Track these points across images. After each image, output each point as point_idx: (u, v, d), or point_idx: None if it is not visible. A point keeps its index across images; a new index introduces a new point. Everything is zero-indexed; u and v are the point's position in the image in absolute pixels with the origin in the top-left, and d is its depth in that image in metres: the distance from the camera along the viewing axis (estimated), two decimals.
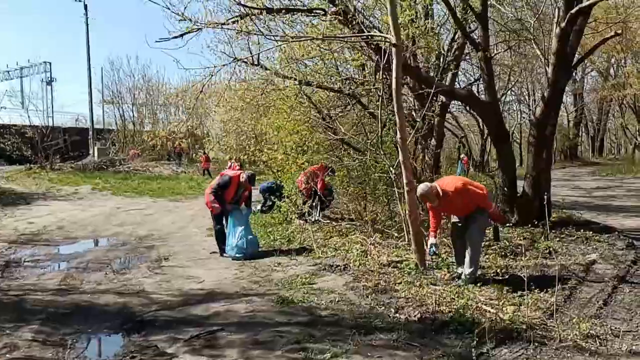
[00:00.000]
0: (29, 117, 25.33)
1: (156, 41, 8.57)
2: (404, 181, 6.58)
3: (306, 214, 10.54)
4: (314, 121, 10.96)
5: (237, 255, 7.84)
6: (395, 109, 6.38)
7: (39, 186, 21.09)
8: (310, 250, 7.95)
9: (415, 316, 4.96)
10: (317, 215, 10.64)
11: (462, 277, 6.14)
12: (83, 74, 28.07)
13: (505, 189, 9.83)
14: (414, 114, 14.70)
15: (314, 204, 10.74)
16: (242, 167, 15.41)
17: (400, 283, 6.02)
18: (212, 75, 9.68)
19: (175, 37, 8.58)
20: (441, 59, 14.65)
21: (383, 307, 5.26)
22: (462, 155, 24.63)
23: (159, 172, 24.98)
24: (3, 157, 25.99)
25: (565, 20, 8.35)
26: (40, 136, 24.43)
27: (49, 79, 44.51)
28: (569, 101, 45.83)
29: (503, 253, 7.78)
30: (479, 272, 6.19)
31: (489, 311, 5.06)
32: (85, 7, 28.41)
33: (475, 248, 6.16)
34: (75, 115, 45.62)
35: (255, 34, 8.66)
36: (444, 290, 5.71)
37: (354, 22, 8.77)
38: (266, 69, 10.36)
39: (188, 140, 25.67)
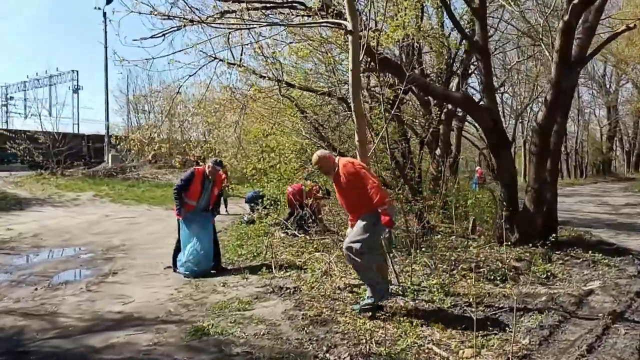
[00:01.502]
0: (41, 123, 25.07)
1: (134, 40, 7.87)
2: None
3: (293, 226, 9.71)
4: (298, 126, 10.11)
5: (186, 272, 6.98)
6: (352, 107, 5.45)
7: (45, 192, 20.76)
8: (269, 268, 7.02)
9: (344, 359, 4.00)
10: (295, 229, 9.74)
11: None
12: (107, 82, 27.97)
13: (505, 203, 8.74)
14: (417, 122, 13.81)
15: (294, 218, 9.86)
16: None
17: (347, 313, 5.05)
18: (190, 76, 9.00)
19: (156, 37, 7.85)
20: (451, 64, 13.75)
21: (314, 344, 4.32)
22: (476, 167, 23.36)
23: (168, 180, 24.42)
24: (24, 162, 25.79)
25: (569, 13, 7.28)
26: (52, 142, 24.20)
27: (76, 86, 45.05)
28: (602, 114, 43.92)
29: (491, 277, 6.75)
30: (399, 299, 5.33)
31: (439, 355, 4.06)
32: (104, 14, 28.26)
33: (365, 266, 5.08)
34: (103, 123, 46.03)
35: (234, 29, 7.83)
36: (393, 324, 4.71)
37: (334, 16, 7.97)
38: (246, 68, 9.55)
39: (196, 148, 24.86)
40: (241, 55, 9.28)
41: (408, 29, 9.54)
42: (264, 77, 8.97)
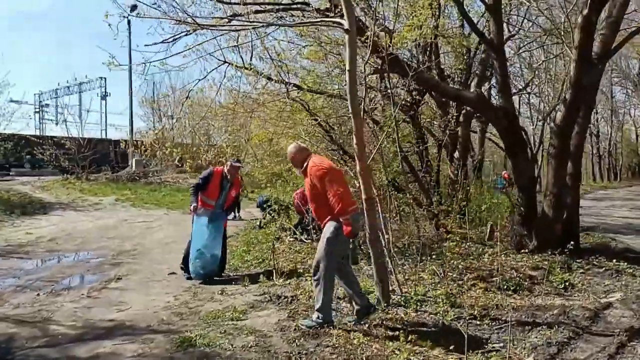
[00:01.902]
0: (67, 129, 25.48)
1: (146, 45, 7.83)
2: (362, 196, 5.39)
3: (298, 232, 9.53)
4: (310, 130, 9.92)
5: (192, 275, 6.86)
6: (350, 108, 5.23)
7: (69, 196, 21.06)
8: (272, 275, 6.84)
9: None
10: (303, 235, 9.54)
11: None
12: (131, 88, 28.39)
13: (522, 208, 8.38)
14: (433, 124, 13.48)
15: (303, 223, 9.68)
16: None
17: (341, 325, 4.82)
18: (199, 80, 8.93)
19: (167, 42, 7.80)
20: (470, 64, 13.38)
21: (302, 358, 4.11)
22: (503, 172, 22.75)
23: (189, 185, 24.49)
24: (54, 167, 26.18)
25: (587, 7, 6.93)
26: (77, 147, 24.55)
27: (104, 93, 45.88)
28: (638, 114, 42.56)
29: (504, 286, 6.43)
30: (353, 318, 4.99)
31: None
32: (129, 22, 28.56)
33: (322, 276, 4.79)
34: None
35: (238, 29, 7.69)
36: (388, 338, 4.47)
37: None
38: (254, 70, 9.42)
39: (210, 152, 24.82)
40: (251, 58, 9.19)
41: (424, 28, 9.29)
42: (271, 79, 8.81)
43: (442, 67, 14.60)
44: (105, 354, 4.28)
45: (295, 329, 4.72)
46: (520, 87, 19.48)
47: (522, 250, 8.18)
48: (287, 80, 8.89)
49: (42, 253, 9.74)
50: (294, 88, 9.28)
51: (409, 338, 4.28)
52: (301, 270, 7.09)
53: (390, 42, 8.16)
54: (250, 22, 6.49)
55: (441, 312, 5.23)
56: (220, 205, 7.25)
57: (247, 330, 4.72)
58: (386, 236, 7.36)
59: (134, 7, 7.48)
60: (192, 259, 6.97)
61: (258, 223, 11.68)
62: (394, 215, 9.70)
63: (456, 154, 12.86)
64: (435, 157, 13.63)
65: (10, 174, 29.59)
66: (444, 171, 13.72)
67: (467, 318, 5.01)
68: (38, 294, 6.45)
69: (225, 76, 9.13)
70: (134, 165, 28.02)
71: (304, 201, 9.92)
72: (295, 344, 4.41)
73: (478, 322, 4.92)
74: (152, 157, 28.84)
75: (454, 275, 6.80)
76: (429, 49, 12.52)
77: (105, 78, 44.59)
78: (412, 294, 5.74)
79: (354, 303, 5.01)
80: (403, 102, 13.16)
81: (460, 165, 12.11)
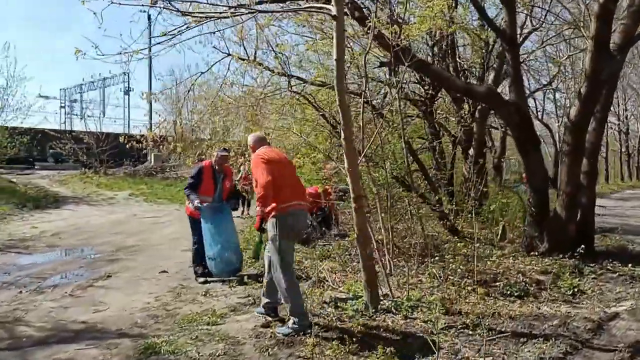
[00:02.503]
0: (85, 123, 25.62)
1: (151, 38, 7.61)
2: (351, 195, 5.04)
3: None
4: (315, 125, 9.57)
5: (216, 272, 6.53)
6: (337, 100, 4.88)
7: (85, 190, 21.18)
8: (260, 277, 6.51)
9: None
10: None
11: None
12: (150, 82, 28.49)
13: (533, 208, 7.91)
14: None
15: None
16: None
17: (324, 330, 4.49)
18: (202, 73, 8.67)
19: (171, 35, 7.58)
20: (487, 57, 12.86)
21: None
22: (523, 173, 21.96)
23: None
24: (76, 162, 26.33)
25: None
26: (96, 141, 24.65)
27: (127, 88, 46.29)
28: None
29: (507, 292, 6.02)
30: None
31: None
32: (149, 17, 28.59)
33: (279, 279, 4.62)
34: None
35: (224, 16, 7.38)
36: (366, 350, 4.12)
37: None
38: (260, 64, 9.10)
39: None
40: (255, 51, 8.88)
41: (437, 20, 8.86)
42: (272, 71, 8.48)
43: (459, 60, 14.18)
44: None
45: (270, 336, 4.41)
46: (545, 83, 18.88)
47: (532, 253, 7.72)
48: (289, 72, 8.55)
49: (42, 248, 9.63)
50: (298, 81, 8.93)
51: (387, 350, 3.91)
52: (296, 271, 6.75)
53: (400, 33, 7.77)
54: (233, 6, 6.15)
55: (433, 320, 4.85)
56: (218, 199, 6.94)
57: (220, 336, 4.42)
58: (380, 237, 7.04)
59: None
60: (213, 258, 6.55)
61: None
62: (398, 214, 9.32)
63: (471, 151, 12.36)
64: (450, 154, 13.21)
65: (36, 168, 30.02)
66: (460, 169, 13.28)
67: (458, 327, 4.63)
68: (21, 292, 6.27)
69: (229, 69, 8.89)
70: (152, 160, 28.08)
71: (316, 199, 9.62)
72: (267, 353, 4.10)
73: (470, 332, 4.53)
74: (171, 152, 28.80)
75: (455, 279, 6.40)
76: (445, 41, 12.09)
77: (128, 73, 44.96)
78: (405, 299, 5.36)
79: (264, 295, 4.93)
80: (417, 97, 12.83)
81: (473, 163, 11.63)
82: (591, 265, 7.17)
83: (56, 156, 30.72)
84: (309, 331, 4.33)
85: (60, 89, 50.75)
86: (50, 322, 5.01)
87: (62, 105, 51.14)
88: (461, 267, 6.48)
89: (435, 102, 13.05)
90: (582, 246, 6.58)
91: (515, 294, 6.04)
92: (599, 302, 5.75)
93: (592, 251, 7.81)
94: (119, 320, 5.01)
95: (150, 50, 6.62)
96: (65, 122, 49.29)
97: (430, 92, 12.42)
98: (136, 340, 4.40)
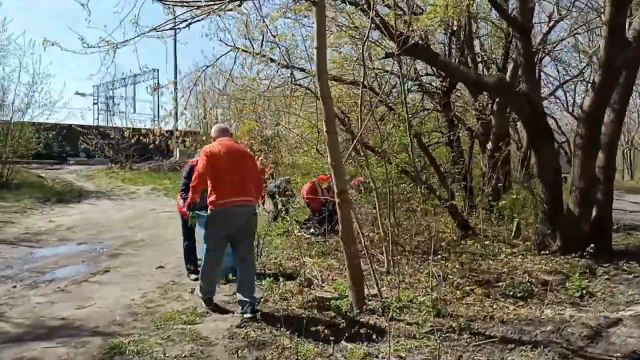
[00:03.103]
0: (111, 119, 25.93)
1: (149, 31, 7.53)
2: (335, 190, 4.83)
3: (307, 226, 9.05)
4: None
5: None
6: (319, 89, 4.66)
7: (110, 185, 21.46)
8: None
9: None
10: (312, 229, 9.02)
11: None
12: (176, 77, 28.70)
13: (545, 205, 7.53)
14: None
15: (315, 216, 9.15)
16: None
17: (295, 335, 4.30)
18: (207, 67, 8.56)
19: (177, 26, 7.50)
20: (507, 48, 12.38)
21: None
22: None
23: None
24: (106, 157, 26.62)
25: None
26: (121, 137, 24.91)
27: (156, 85, 46.70)
28: None
29: (511, 293, 5.71)
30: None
31: None
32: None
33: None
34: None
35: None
36: (343, 353, 3.91)
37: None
38: (264, 56, 8.93)
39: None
40: (262, 44, 8.71)
41: (450, 9, 8.52)
42: (274, 60, 8.28)
43: (480, 52, 13.73)
44: (28, 359, 3.94)
45: (244, 337, 4.24)
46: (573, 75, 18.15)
47: (543, 252, 7.35)
48: (291, 64, 8.34)
49: (53, 242, 9.71)
50: (303, 74, 8.73)
51: (359, 353, 3.69)
52: (290, 269, 6.59)
53: (410, 23, 7.48)
54: None
55: (421, 322, 4.61)
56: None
57: (193, 336, 4.27)
58: (378, 233, 6.80)
59: None
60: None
61: (273, 215, 11.11)
62: (404, 210, 9.04)
63: (489, 145, 11.92)
64: (467, 149, 12.79)
65: (71, 162, 30.64)
66: (479, 163, 12.87)
67: (444, 331, 4.38)
68: (15, 286, 6.27)
69: (235, 62, 8.76)
70: (177, 155, 28.27)
71: (313, 194, 9.43)
72: (236, 355, 3.94)
73: (456, 337, 4.27)
74: (196, 148, 28.96)
75: (455, 279, 6.12)
76: (463, 32, 11.69)
77: (157, 70, 45.35)
78: (394, 299, 5.13)
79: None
80: (434, 90, 12.47)
81: (489, 157, 11.23)
82: (605, 265, 6.77)
83: (88, 151, 31.23)
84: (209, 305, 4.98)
85: (94, 86, 51.57)
86: (31, 318, 4.96)
87: (95, 102, 52.04)
88: (464, 266, 6.18)
89: (453, 94, 12.70)
90: (592, 245, 6.21)
91: (518, 295, 5.74)
92: (608, 305, 5.40)
93: (608, 250, 7.41)
94: (99, 317, 4.92)
95: (175, 49, 6.51)
96: (98, 118, 50.17)
97: (445, 84, 12.09)
98: (107, 339, 4.29)
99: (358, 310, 4.81)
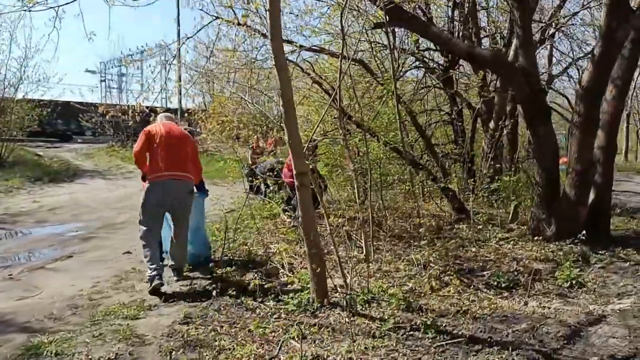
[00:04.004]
0: (106, 97, 25.50)
1: None
2: (294, 172, 4.34)
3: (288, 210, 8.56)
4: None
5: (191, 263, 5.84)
6: (274, 59, 4.14)
7: (109, 164, 21.15)
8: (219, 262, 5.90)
9: None
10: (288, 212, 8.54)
11: None
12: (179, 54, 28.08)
13: (541, 188, 6.99)
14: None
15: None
16: None
17: (240, 332, 3.85)
18: (188, 38, 8.05)
19: None
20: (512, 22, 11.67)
21: None
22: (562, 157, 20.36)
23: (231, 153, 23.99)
24: (114, 135, 26.20)
25: None
26: (122, 114, 24.48)
27: (164, 62, 46.18)
28: None
29: (495, 283, 5.23)
30: None
31: None
32: None
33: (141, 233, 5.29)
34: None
35: None
36: (286, 354, 3.46)
37: None
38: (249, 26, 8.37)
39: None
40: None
41: None
42: (258, 31, 7.73)
43: (488, 25, 13.06)
44: None
45: (183, 336, 3.80)
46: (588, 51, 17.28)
47: (537, 238, 6.84)
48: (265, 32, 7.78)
49: (29, 224, 9.36)
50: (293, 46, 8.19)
51: (309, 355, 3.24)
52: (260, 258, 6.13)
53: None
54: None
55: (387, 317, 4.14)
56: None
57: (127, 334, 3.84)
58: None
59: None
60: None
61: (262, 192, 10.52)
62: (391, 192, 8.56)
63: (491, 124, 11.29)
64: (469, 129, 12.18)
65: (79, 141, 30.35)
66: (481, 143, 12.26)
67: (408, 329, 3.90)
68: None
69: (218, 35, 8.29)
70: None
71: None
72: (169, 357, 3.50)
73: (420, 335, 3.79)
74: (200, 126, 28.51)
75: (437, 267, 5.64)
76: (467, 2, 11.02)
77: (167, 46, 44.77)
78: (363, 292, 4.66)
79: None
80: (435, 66, 11.85)
81: (491, 137, 10.64)
82: (601, 252, 6.24)
83: (94, 130, 30.92)
84: (156, 282, 4.83)
85: (100, 62, 51.10)
86: None
87: (103, 79, 51.64)
88: (449, 252, 5.71)
89: (456, 70, 12.08)
90: (584, 232, 5.69)
91: (503, 285, 5.26)
92: (597, 297, 4.89)
93: (606, 236, 6.88)
94: (35, 311, 4.51)
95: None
96: (105, 95, 49.83)
97: (447, 59, 11.46)
98: (34, 336, 3.87)
99: (319, 305, 4.35)
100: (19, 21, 17.32)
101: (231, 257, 6.08)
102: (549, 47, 14.99)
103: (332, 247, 5.08)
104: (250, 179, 9.93)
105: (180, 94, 30.03)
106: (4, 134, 18.01)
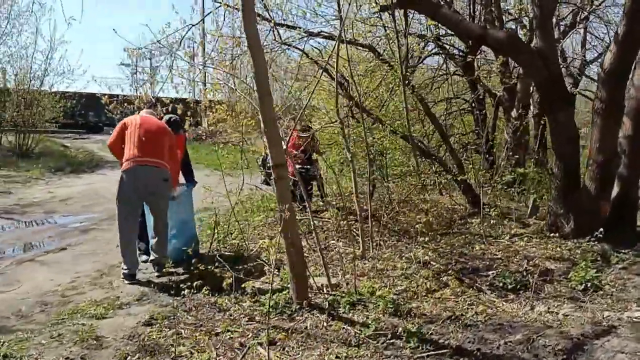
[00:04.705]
0: (135, 88, 25.62)
1: None
2: (270, 162, 4.00)
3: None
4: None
5: (175, 258, 5.61)
6: (247, 39, 3.80)
7: None
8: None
9: None
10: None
11: None
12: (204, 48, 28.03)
13: (558, 180, 6.48)
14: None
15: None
16: None
17: (213, 333, 3.56)
18: (193, 26, 7.80)
19: None
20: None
21: None
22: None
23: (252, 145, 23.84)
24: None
25: None
26: (147, 105, 24.57)
27: (192, 53, 46.35)
28: None
29: (500, 284, 4.82)
30: None
31: None
32: None
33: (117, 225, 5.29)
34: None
35: None
36: None
37: None
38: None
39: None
40: None
41: None
42: (259, 16, 7.39)
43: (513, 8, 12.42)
44: None
45: (144, 339, 3.53)
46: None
47: (553, 234, 6.35)
48: (274, 21, 7.46)
49: (37, 214, 9.27)
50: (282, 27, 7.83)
51: None
52: (251, 253, 5.82)
53: None
54: None
55: (369, 322, 3.78)
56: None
57: (86, 336, 3.59)
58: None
59: None
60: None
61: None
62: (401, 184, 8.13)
63: (514, 113, 10.71)
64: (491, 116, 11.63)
65: (110, 132, 30.82)
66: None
67: (389, 337, 3.54)
68: None
69: (224, 19, 8.05)
70: (205, 123, 27.84)
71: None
72: None
73: (401, 344, 3.42)
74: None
75: (438, 266, 5.25)
76: None
77: (193, 38, 44.96)
78: (349, 293, 4.30)
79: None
80: (455, 53, 11.33)
81: (513, 126, 10.07)
82: (624, 251, 5.70)
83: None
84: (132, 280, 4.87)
85: (128, 55, 51.67)
86: None
87: (134, 71, 52.25)
88: (454, 249, 5.33)
89: (478, 56, 11.52)
90: (601, 230, 5.19)
91: (509, 286, 4.83)
92: (614, 301, 4.42)
93: (631, 234, 6.31)
94: (5, 306, 4.31)
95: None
96: (136, 88, 50.43)
97: (468, 44, 10.92)
98: None
99: (298, 306, 4.02)
100: (42, 14, 17.40)
101: (222, 253, 5.79)
102: (582, 31, 14.19)
103: (318, 242, 4.71)
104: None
105: (205, 83, 29.99)
106: (29, 126, 18.18)
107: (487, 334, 3.53)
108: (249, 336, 3.55)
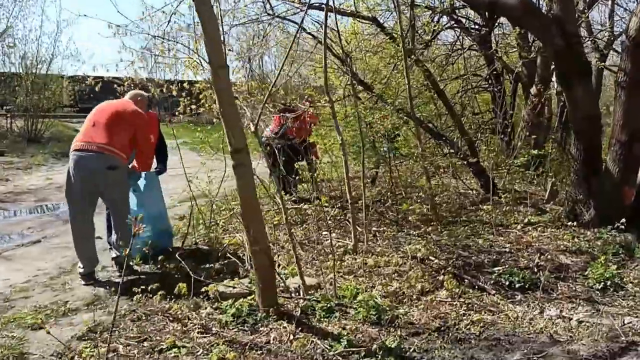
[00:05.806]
0: (135, 72, 25.12)
1: None
2: (229, 149, 3.43)
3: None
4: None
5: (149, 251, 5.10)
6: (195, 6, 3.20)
7: None
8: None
9: None
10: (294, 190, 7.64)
11: None
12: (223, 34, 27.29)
13: (577, 163, 5.79)
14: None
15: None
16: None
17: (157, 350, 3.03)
18: (182, 2, 7.27)
19: None
20: None
21: None
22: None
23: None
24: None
25: None
26: (160, 89, 24.19)
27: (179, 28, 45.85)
28: None
29: (506, 282, 4.24)
30: None
31: None
32: None
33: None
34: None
35: None
36: None
37: None
38: None
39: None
40: None
41: None
42: None
43: None
44: None
45: (72, 358, 3.02)
46: None
47: (571, 223, 5.68)
48: None
49: (29, 202, 8.90)
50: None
51: None
52: (230, 250, 5.27)
53: None
54: None
55: (345, 334, 3.21)
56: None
57: (8, 353, 3.09)
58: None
59: None
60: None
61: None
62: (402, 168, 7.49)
63: (533, 90, 9.90)
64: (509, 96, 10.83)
65: None
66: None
67: (362, 354, 2.97)
68: None
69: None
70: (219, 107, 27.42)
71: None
72: None
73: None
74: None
75: (437, 261, 4.65)
76: None
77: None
78: (325, 297, 3.72)
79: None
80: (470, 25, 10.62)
81: (532, 105, 9.32)
82: None
83: None
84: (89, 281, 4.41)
85: (146, 40, 51.57)
86: None
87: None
88: (457, 241, 4.75)
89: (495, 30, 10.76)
90: (623, 220, 4.52)
91: (516, 285, 4.23)
92: (638, 304, 3.81)
93: None
94: None
95: None
96: (150, 71, 50.32)
97: (485, 16, 10.19)
98: None
99: (263, 315, 3.46)
100: None
101: (198, 247, 5.27)
102: (610, 2, 13.22)
103: (290, 233, 4.13)
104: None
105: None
106: (40, 110, 17.86)
107: (479, 353, 2.92)
108: (199, 353, 3.01)
